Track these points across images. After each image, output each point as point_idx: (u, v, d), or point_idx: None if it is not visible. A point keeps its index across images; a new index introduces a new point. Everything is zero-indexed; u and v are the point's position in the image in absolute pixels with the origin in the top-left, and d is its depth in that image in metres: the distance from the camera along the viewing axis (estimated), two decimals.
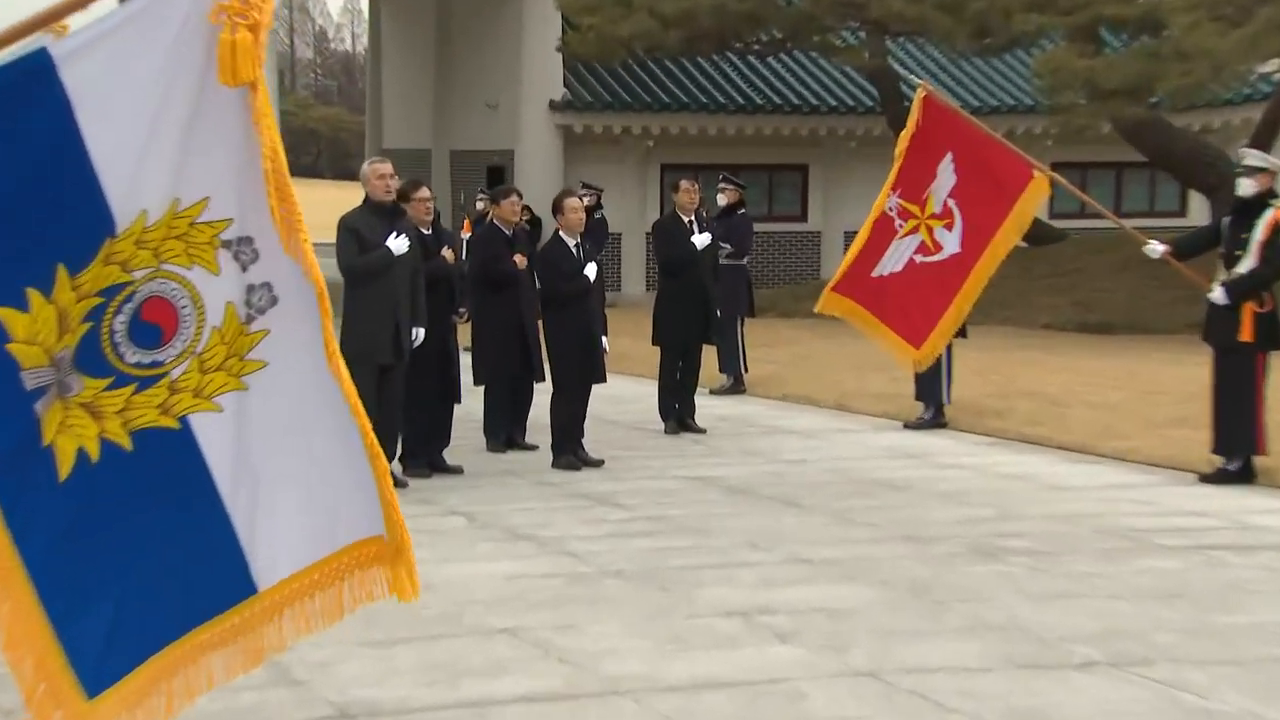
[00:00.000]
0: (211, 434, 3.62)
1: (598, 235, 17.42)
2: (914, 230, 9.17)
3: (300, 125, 69.13)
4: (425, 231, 9.56)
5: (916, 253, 9.20)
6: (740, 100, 24.45)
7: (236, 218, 3.62)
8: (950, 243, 9.18)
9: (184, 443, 3.61)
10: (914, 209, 9.15)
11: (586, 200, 16.55)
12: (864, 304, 9.20)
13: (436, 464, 9.62)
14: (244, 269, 3.63)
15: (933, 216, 9.15)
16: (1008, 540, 7.80)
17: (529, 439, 10.65)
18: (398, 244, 8.90)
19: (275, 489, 3.65)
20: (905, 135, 8.94)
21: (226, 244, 3.63)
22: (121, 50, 3.42)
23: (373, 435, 3.62)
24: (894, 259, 9.10)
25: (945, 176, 9.07)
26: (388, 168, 9.05)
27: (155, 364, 3.59)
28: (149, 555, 3.61)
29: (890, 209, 9.23)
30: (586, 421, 10.13)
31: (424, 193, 9.52)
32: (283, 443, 3.64)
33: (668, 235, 11.43)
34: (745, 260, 13.58)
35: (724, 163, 23.40)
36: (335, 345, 3.61)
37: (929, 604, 6.51)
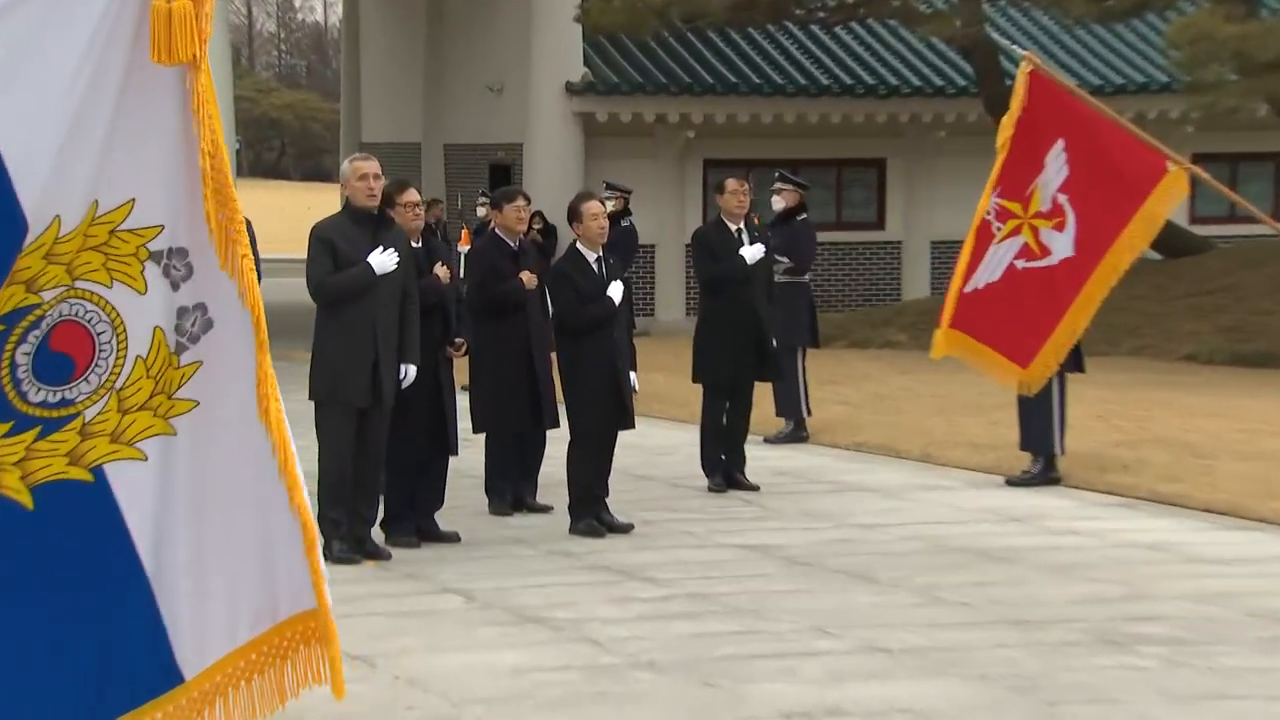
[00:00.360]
0: (132, 488, 3.60)
1: (625, 248, 17.45)
2: (1014, 232, 9.16)
3: (261, 114, 69.73)
4: (415, 244, 9.57)
5: (1018, 257, 9.19)
6: (801, 81, 24.50)
7: (167, 225, 3.61)
8: (1060, 245, 9.19)
9: (98, 499, 3.60)
10: (1014, 208, 9.14)
11: (611, 205, 16.59)
12: (964, 328, 9.17)
13: (427, 530, 9.62)
14: (175, 287, 3.63)
15: (1038, 215, 9.15)
16: (1139, 626, 7.73)
17: (541, 499, 10.64)
18: (382, 260, 8.92)
19: (206, 555, 3.64)
20: (1008, 121, 8.90)
21: (155, 256, 3.62)
22: (33, 20, 3.41)
23: (303, 498, 3.61)
24: (990, 267, 9.08)
25: (1055, 168, 9.05)
26: (373, 166, 9.07)
27: (65, 403, 3.58)
28: (52, 639, 3.60)
29: (989, 213, 9.19)
30: (612, 477, 10.12)
31: (411, 195, 9.54)
32: (214, 499, 3.63)
33: (711, 247, 11.42)
34: (808, 277, 13.57)
35: (781, 158, 23.41)
36: (269, 386, 3.60)
37: (1039, 705, 6.44)
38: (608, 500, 10.03)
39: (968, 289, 9.00)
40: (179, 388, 3.65)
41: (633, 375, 9.93)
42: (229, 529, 3.69)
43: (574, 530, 9.86)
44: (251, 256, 3.65)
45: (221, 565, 3.69)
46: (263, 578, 3.69)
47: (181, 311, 3.65)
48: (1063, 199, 9.03)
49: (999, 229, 9.13)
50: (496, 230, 10.48)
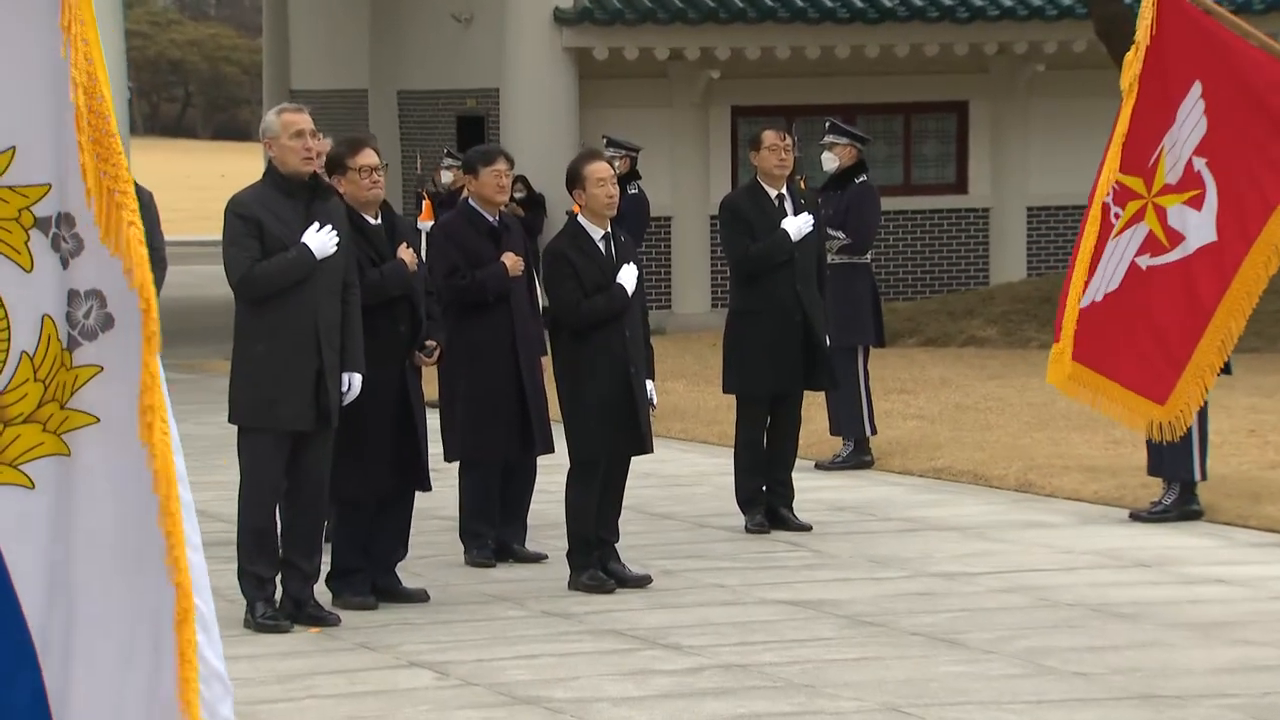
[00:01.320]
0: (15, 522, 3.64)
1: (632, 221, 17.49)
2: (1136, 218, 8.81)
3: (158, 54, 69.87)
4: (372, 221, 9.64)
5: (1141, 253, 8.83)
6: (857, 3, 24.56)
7: (55, 184, 3.64)
8: (1197, 227, 8.81)
9: None
10: (1136, 184, 8.78)
11: (616, 167, 16.64)
12: (1087, 359, 8.82)
13: (387, 587, 9.69)
14: (64, 265, 3.65)
15: (1166, 190, 8.81)
16: None
17: (532, 545, 10.70)
18: (320, 240, 8.99)
19: (96, 623, 3.65)
20: (1133, 57, 8.66)
21: (42, 224, 3.64)
22: None
23: (183, 556, 3.57)
24: (1107, 273, 8.76)
25: (1191, 123, 8.77)
26: (305, 120, 9.13)
27: None
28: None
29: (1109, 195, 8.81)
30: (623, 516, 10.18)
31: (368, 158, 9.60)
32: (109, 547, 3.64)
33: (745, 219, 11.49)
34: (869, 257, 13.63)
35: (832, 103, 23.43)
36: (155, 396, 3.61)
37: None
38: (617, 546, 10.09)
39: (1085, 303, 8.68)
40: (72, 395, 3.68)
41: (649, 385, 10.00)
42: (125, 587, 3.72)
43: (574, 584, 9.92)
44: (140, 224, 3.66)
45: (113, 635, 3.70)
46: (150, 681, 3.69)
47: (73, 297, 3.68)
48: (1200, 164, 8.71)
49: (1118, 215, 8.81)
50: (470, 201, 10.55)
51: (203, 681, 3.74)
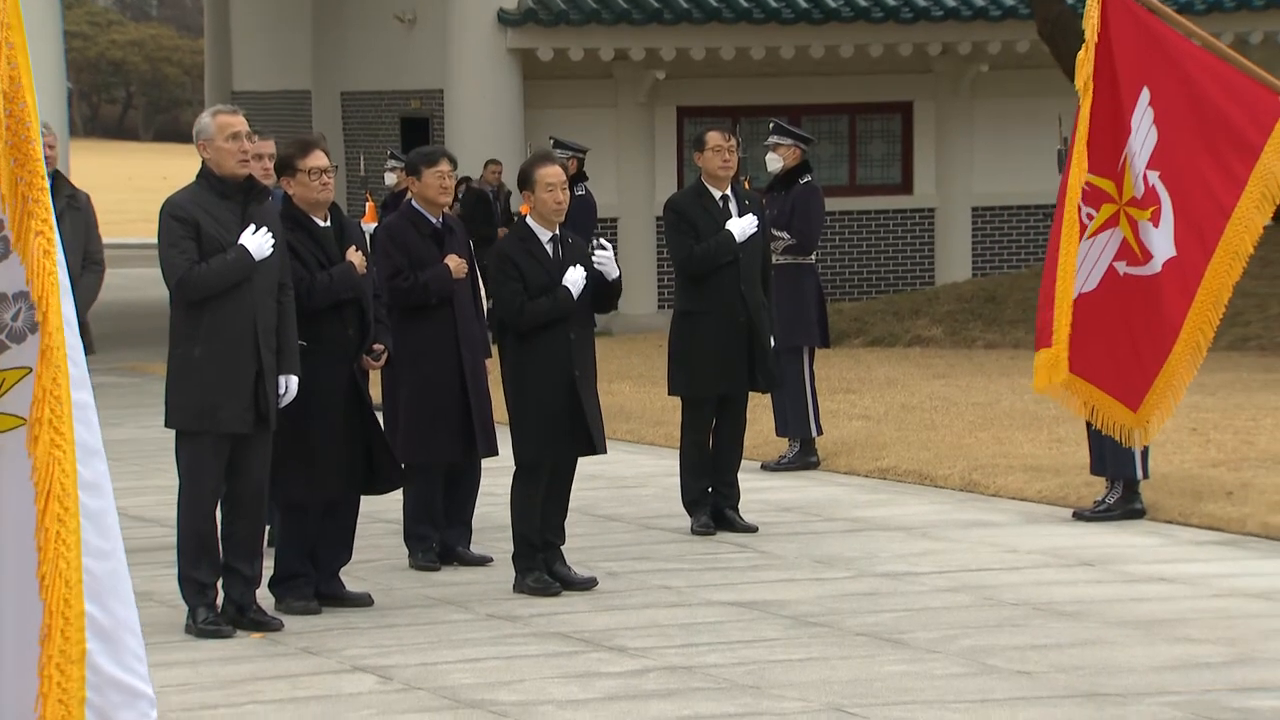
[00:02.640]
0: None
1: (581, 222, 17.51)
2: (1110, 222, 8.69)
3: (99, 55, 69.52)
4: (321, 223, 9.62)
5: (1119, 259, 8.70)
6: (802, 3, 24.61)
7: None
8: (1160, 244, 8.66)
9: None
10: (1107, 186, 8.65)
11: (566, 169, 16.62)
12: (1080, 368, 8.67)
13: (331, 592, 9.68)
14: None
15: (1134, 202, 8.68)
16: (1250, 698, 7.80)
17: (476, 548, 10.70)
18: (257, 242, 8.97)
19: (16, 638, 3.65)
20: (1085, 56, 8.55)
21: None
22: None
23: (53, 586, 3.56)
24: (1082, 273, 8.64)
25: (1142, 131, 8.65)
26: (240, 122, 9.11)
27: None
28: None
29: (1079, 200, 8.63)
30: (569, 518, 10.18)
31: (317, 159, 9.59)
32: (11, 559, 3.63)
33: (689, 220, 11.51)
34: (814, 257, 13.67)
35: (776, 104, 23.49)
36: (47, 407, 3.59)
37: None
38: (563, 548, 10.10)
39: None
40: (2, 396, 3.68)
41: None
42: (11, 601, 3.72)
43: (519, 587, 9.92)
44: (50, 233, 3.65)
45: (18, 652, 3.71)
46: (10, 683, 3.69)
47: (0, 300, 3.68)
48: (1154, 178, 8.57)
49: (1092, 216, 8.66)
50: (413, 203, 10.55)
51: (93, 689, 3.72)
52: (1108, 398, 8.75)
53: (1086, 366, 8.63)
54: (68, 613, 3.67)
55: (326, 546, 9.65)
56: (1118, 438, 9.13)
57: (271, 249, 8.99)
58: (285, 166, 9.56)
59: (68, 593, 3.67)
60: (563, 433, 9.84)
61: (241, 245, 8.94)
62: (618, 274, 10.07)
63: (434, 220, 10.44)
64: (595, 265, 9.95)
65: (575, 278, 9.87)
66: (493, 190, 22.48)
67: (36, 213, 3.57)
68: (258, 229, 8.97)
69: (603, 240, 10.19)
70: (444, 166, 10.40)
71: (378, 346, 9.68)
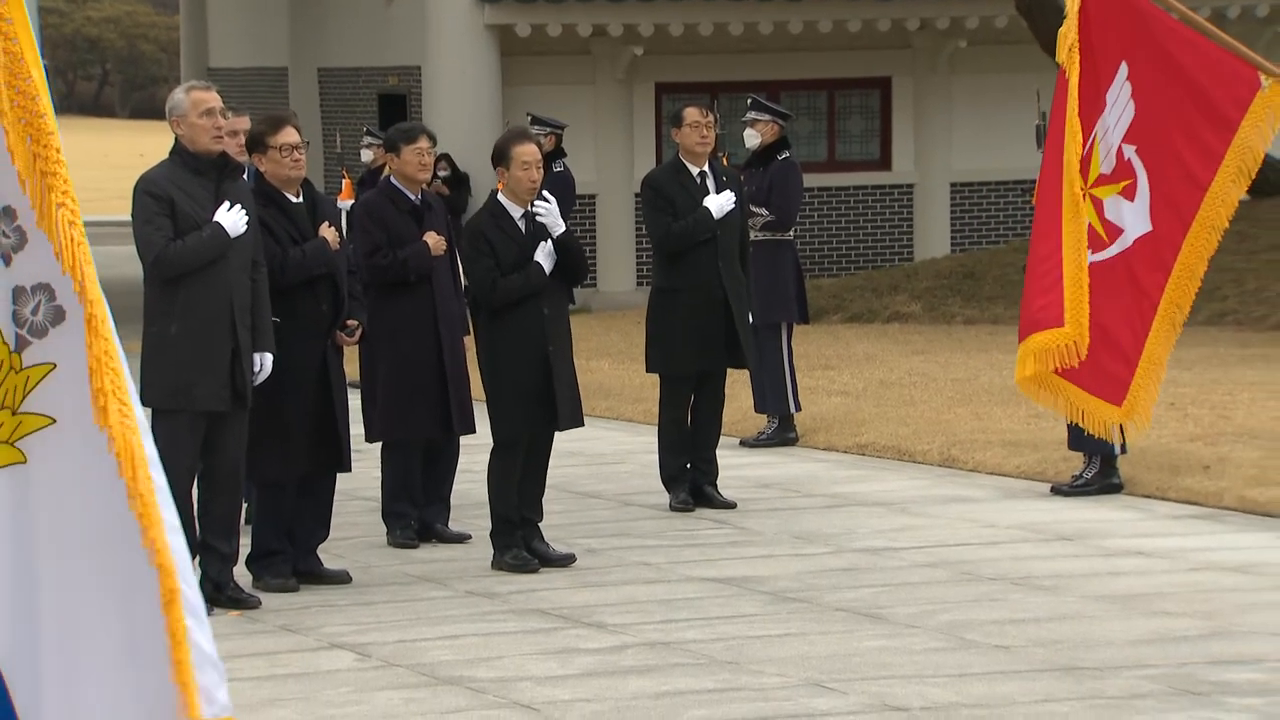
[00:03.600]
0: None
1: (559, 199, 17.47)
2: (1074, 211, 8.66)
3: (74, 31, 69.31)
4: (295, 199, 9.61)
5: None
6: None
7: None
8: (1133, 219, 8.65)
9: None
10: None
11: (543, 145, 16.58)
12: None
13: (307, 569, 9.68)
14: (6, 261, 3.61)
15: (1101, 180, 8.65)
16: (1226, 671, 7.85)
17: (455, 525, 10.70)
18: (233, 219, 8.96)
19: (72, 644, 3.57)
20: (1067, 29, 8.51)
21: None
22: None
23: (161, 536, 3.51)
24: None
25: (1118, 106, 8.63)
26: (214, 98, 9.09)
27: None
28: None
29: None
30: (547, 495, 10.19)
31: (288, 135, 9.58)
32: (77, 547, 3.56)
33: (667, 197, 11.51)
34: (793, 234, 13.67)
35: (754, 79, 23.47)
36: (106, 379, 3.53)
37: None
38: (541, 525, 10.10)
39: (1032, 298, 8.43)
40: (24, 398, 3.63)
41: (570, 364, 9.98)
42: (100, 599, 3.63)
43: (498, 564, 9.93)
44: (73, 205, 3.61)
45: (93, 654, 3.63)
46: (148, 671, 3.62)
47: (19, 294, 3.62)
48: (1130, 151, 8.51)
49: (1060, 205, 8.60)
50: (392, 179, 10.53)
51: (196, 668, 3.67)
52: (1091, 397, 8.67)
53: (1068, 368, 8.56)
54: (171, 584, 3.60)
55: (303, 524, 9.65)
56: (1108, 438, 9.05)
57: (246, 226, 8.98)
58: (256, 143, 9.54)
59: (171, 562, 3.60)
60: (537, 408, 9.83)
61: (216, 222, 8.92)
62: (563, 228, 9.96)
63: (413, 197, 10.43)
64: (537, 219, 9.86)
65: (544, 254, 9.86)
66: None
67: (56, 185, 3.54)
68: (231, 206, 8.95)
69: (545, 194, 10.04)
70: (423, 143, 10.39)
71: (351, 322, 9.67)
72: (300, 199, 9.62)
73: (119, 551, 3.64)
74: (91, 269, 3.59)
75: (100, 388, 3.58)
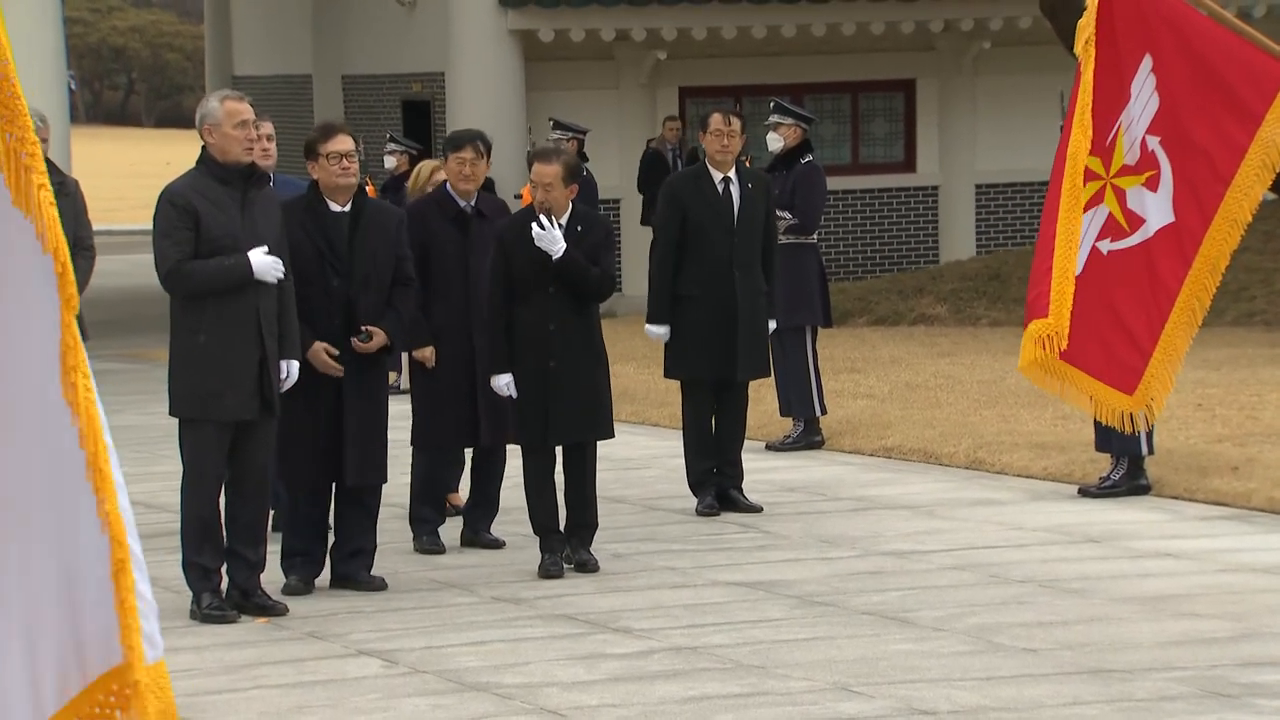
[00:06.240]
0: None
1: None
2: (1096, 200, 8.63)
3: (100, 41, 69.50)
4: (336, 208, 9.58)
5: (1101, 237, 8.65)
6: None
7: None
8: (1155, 209, 8.63)
9: None
10: (1095, 165, 8.59)
11: (564, 148, 16.60)
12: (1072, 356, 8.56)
13: (348, 574, 9.69)
14: None
15: (1124, 171, 8.64)
16: (1256, 674, 7.83)
17: (497, 529, 10.65)
18: (264, 264, 8.91)
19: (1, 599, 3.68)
20: (1085, 21, 8.52)
21: None
22: None
23: (115, 506, 3.68)
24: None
25: (1142, 98, 8.62)
26: (248, 110, 9.11)
27: None
28: None
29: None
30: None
31: (340, 143, 9.59)
32: (8, 514, 3.66)
33: (680, 200, 11.48)
34: (816, 237, 13.65)
35: (778, 83, 23.47)
36: (77, 357, 3.64)
37: None
38: (562, 529, 10.11)
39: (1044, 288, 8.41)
40: None
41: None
42: (26, 557, 3.74)
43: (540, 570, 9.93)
44: (50, 186, 3.68)
45: (21, 612, 3.74)
46: (68, 623, 3.76)
47: None
48: (1154, 143, 8.49)
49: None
50: (447, 185, 10.54)
51: (143, 617, 3.84)
52: (1102, 385, 8.66)
53: (1077, 354, 8.56)
54: (121, 553, 3.78)
55: (348, 534, 9.67)
56: (1119, 426, 9.05)
57: (281, 273, 8.96)
58: (309, 150, 9.61)
59: (123, 531, 3.77)
60: (539, 420, 9.85)
61: (246, 256, 8.89)
62: (561, 250, 9.74)
63: (461, 203, 10.43)
64: (536, 243, 9.79)
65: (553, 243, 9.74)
66: (673, 149, 22.67)
67: (35, 166, 3.59)
68: (270, 251, 8.92)
69: (541, 218, 9.82)
70: (466, 153, 10.35)
71: (365, 328, 9.57)
72: (347, 207, 9.61)
73: (68, 517, 3.78)
74: (65, 249, 3.69)
75: (71, 365, 3.69)
